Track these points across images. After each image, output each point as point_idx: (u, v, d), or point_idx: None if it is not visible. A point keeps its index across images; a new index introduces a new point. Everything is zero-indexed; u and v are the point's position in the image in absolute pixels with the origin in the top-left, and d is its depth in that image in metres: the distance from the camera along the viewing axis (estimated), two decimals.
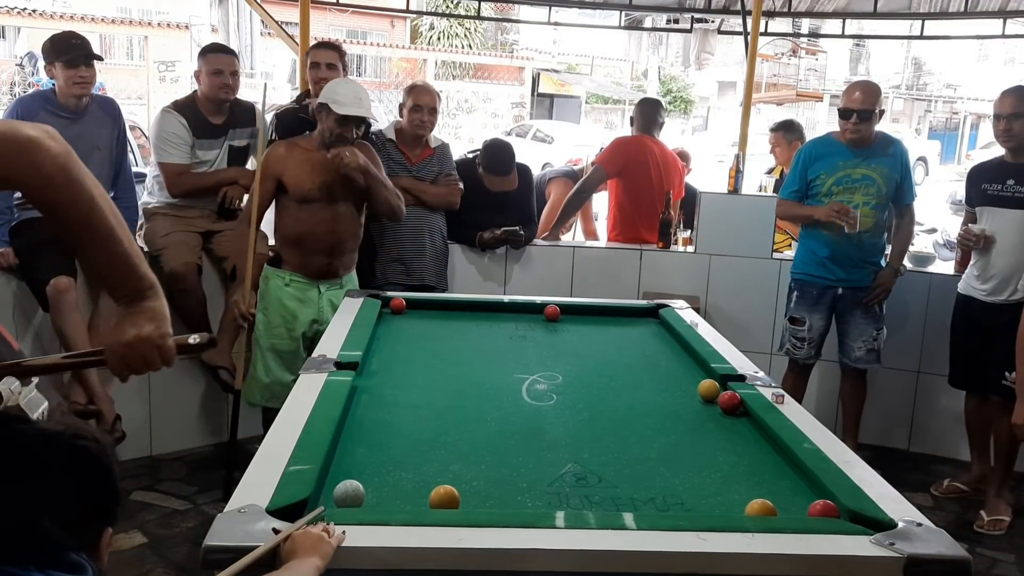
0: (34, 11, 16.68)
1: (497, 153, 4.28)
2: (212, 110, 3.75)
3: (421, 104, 3.91)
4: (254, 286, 3.39)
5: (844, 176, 3.74)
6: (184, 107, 3.75)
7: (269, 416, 3.45)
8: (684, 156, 5.18)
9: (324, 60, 3.90)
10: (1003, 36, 6.70)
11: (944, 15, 6.36)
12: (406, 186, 3.95)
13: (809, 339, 3.87)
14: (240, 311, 3.28)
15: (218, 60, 3.72)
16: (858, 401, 3.94)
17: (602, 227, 5.31)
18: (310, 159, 3.31)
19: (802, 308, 3.86)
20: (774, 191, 4.80)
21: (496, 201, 4.27)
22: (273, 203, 3.38)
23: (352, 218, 3.41)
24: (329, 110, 3.25)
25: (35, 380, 1.28)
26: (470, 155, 4.43)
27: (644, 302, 3.50)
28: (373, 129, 4.00)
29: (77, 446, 1.09)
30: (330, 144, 3.28)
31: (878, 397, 4.10)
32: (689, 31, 7.31)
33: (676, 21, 7.32)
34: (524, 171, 4.43)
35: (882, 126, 3.88)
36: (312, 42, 4.35)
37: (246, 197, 3.63)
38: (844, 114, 3.71)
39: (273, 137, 3.73)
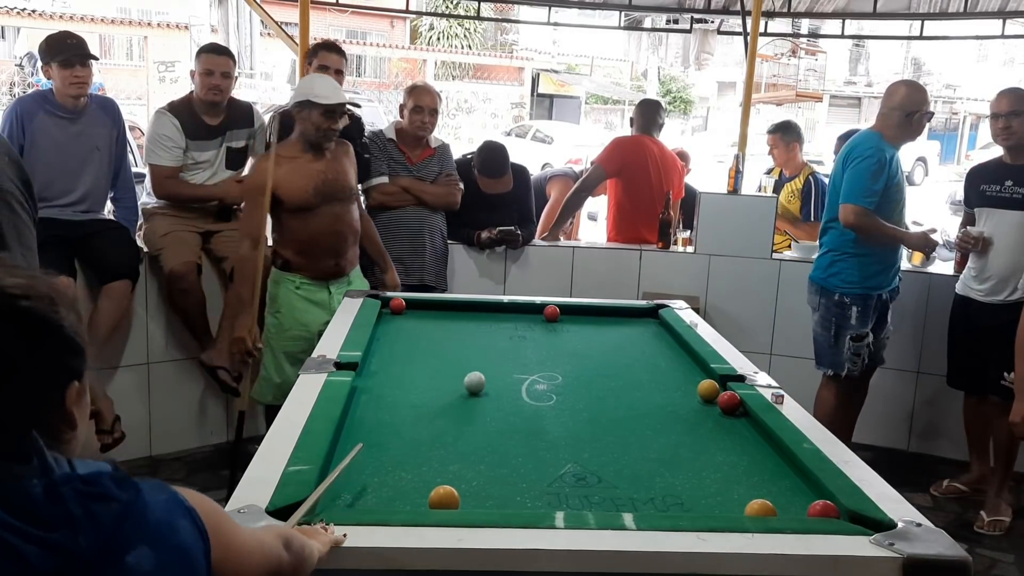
0: (34, 11, 16.70)
1: (490, 156, 4.28)
2: (206, 111, 3.74)
3: (422, 105, 3.91)
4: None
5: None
6: (179, 108, 3.73)
7: (273, 415, 3.44)
8: (684, 156, 5.18)
9: (334, 65, 3.84)
10: (1003, 36, 6.71)
11: (944, 15, 6.36)
12: (406, 186, 3.96)
13: (867, 352, 3.76)
14: (248, 347, 3.14)
15: (209, 61, 3.68)
16: (861, 404, 3.92)
17: (602, 227, 5.30)
18: (298, 166, 3.20)
19: (864, 323, 3.70)
20: (774, 191, 4.80)
21: (491, 203, 4.27)
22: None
23: (350, 215, 3.35)
24: (311, 106, 3.14)
25: None
26: (467, 156, 4.43)
27: (644, 302, 3.49)
28: (374, 129, 4.00)
29: (19, 308, 0.88)
30: (316, 141, 3.19)
31: (878, 397, 4.09)
32: (689, 31, 7.31)
33: (676, 21, 7.30)
34: (520, 172, 4.43)
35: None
36: (312, 42, 4.34)
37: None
38: (923, 119, 3.59)
39: (271, 139, 3.72)
